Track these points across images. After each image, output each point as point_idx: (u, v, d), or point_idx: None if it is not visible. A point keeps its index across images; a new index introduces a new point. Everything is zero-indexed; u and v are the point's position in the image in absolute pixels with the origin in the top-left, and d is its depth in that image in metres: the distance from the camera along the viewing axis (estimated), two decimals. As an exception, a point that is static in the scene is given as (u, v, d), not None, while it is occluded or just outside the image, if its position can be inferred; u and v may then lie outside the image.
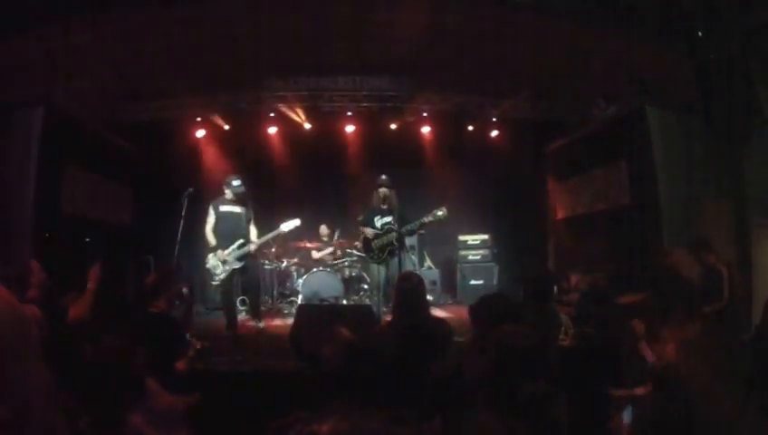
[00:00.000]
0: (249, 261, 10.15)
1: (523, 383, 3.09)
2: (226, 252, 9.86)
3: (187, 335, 6.70)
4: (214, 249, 9.98)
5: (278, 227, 10.48)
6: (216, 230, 10.04)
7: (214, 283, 10.39)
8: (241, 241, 9.96)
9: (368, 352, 3.48)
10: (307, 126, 14.66)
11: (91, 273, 5.70)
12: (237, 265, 9.96)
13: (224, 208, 10.09)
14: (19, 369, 1.65)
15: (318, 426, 2.76)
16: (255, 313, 10.63)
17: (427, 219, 9.67)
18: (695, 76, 10.22)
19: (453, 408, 4.12)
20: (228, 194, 10.08)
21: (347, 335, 3.26)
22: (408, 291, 5.22)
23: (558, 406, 3.21)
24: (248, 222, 10.20)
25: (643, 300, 5.56)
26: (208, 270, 10.12)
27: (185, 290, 7.25)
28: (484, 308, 4.81)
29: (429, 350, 4.87)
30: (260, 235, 10.36)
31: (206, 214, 10.18)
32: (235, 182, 10.10)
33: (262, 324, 10.43)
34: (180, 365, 5.46)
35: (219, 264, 9.90)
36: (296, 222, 10.49)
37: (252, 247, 10.04)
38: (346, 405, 2.95)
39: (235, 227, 10.06)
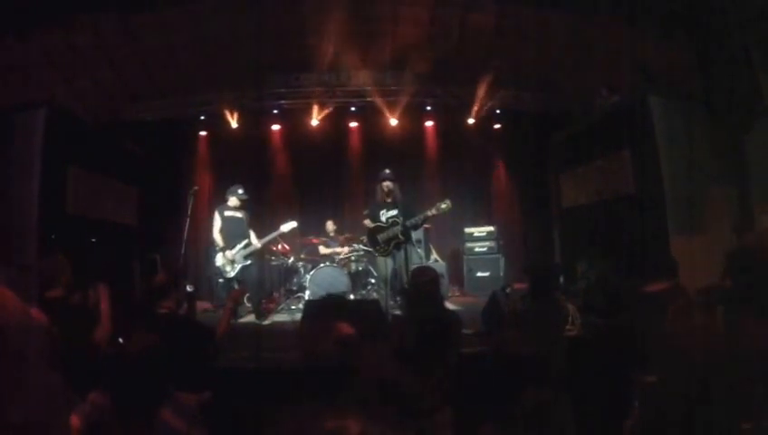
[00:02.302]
0: (254, 260, 11.23)
1: (524, 391, 3.04)
2: (234, 251, 10.95)
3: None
4: (222, 249, 11.03)
5: (278, 226, 11.46)
6: (221, 233, 11.11)
7: (221, 280, 11.52)
8: (246, 241, 11.09)
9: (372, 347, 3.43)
10: (314, 122, 14.76)
11: (101, 292, 5.66)
12: (246, 263, 11.03)
13: (228, 214, 11.24)
14: (30, 373, 1.66)
15: (327, 422, 2.76)
16: (258, 310, 10.98)
17: (431, 212, 9.71)
18: (697, 64, 10.22)
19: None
20: (233, 201, 11.21)
21: (348, 331, 3.20)
22: (424, 284, 5.20)
23: (563, 411, 3.11)
24: (248, 225, 11.35)
25: (669, 288, 5.52)
26: (218, 268, 11.08)
27: (189, 288, 7.28)
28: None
29: (445, 342, 4.91)
30: (266, 231, 11.44)
31: (211, 217, 11.32)
32: (240, 190, 11.30)
33: (266, 321, 10.80)
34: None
35: (228, 263, 10.86)
36: (293, 224, 11.48)
37: (258, 246, 11.24)
38: (349, 402, 2.90)
39: (238, 229, 11.16)
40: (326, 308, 8.61)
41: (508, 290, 9.03)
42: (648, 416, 3.84)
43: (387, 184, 10.04)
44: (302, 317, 8.60)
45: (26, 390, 1.62)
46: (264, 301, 11.50)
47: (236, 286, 10.62)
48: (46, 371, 1.76)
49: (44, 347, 1.77)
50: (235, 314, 9.20)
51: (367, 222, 10.29)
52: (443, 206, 9.59)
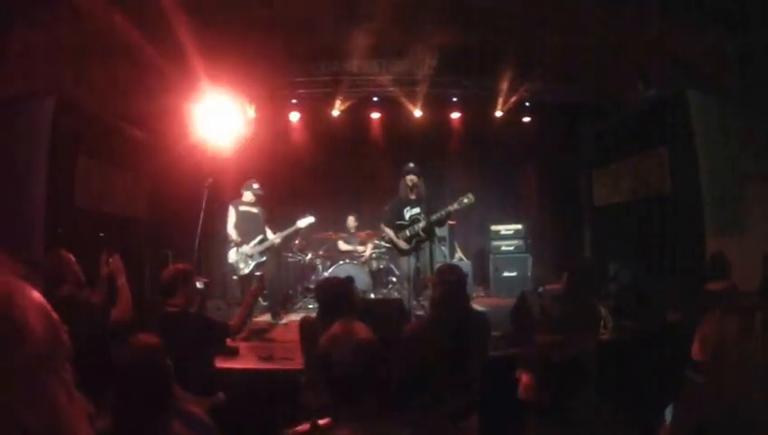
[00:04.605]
0: (270, 256, 11.01)
1: (567, 398, 3.01)
2: (249, 247, 10.73)
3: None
4: (238, 245, 10.78)
5: (294, 220, 11.26)
6: (236, 228, 10.88)
7: (234, 277, 11.24)
8: (261, 237, 10.89)
9: (388, 352, 3.24)
10: (335, 113, 14.50)
11: (113, 266, 5.73)
12: (261, 260, 10.82)
13: (243, 209, 11.04)
14: (53, 379, 1.56)
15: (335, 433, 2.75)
16: (274, 309, 10.89)
17: (452, 208, 9.48)
18: (735, 57, 9.99)
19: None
20: (248, 196, 11.06)
21: (364, 336, 2.99)
22: (452, 283, 4.97)
23: (603, 416, 3.11)
24: (264, 221, 11.16)
25: (728, 288, 5.40)
26: (231, 264, 10.87)
27: (200, 285, 7.07)
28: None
29: (472, 345, 4.84)
30: (282, 226, 11.20)
31: (225, 212, 11.12)
32: (255, 185, 11.13)
33: (283, 320, 10.65)
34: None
35: (243, 258, 10.74)
36: (311, 219, 11.26)
37: (277, 241, 11.00)
38: (361, 410, 2.88)
39: (253, 225, 10.97)
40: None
41: (540, 290, 8.83)
42: (693, 417, 3.61)
43: (411, 178, 9.84)
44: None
45: (45, 392, 1.53)
46: (280, 301, 11.36)
47: (254, 282, 10.41)
48: (64, 372, 1.63)
49: (64, 348, 1.65)
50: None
51: (388, 231, 10.00)
52: (465, 200, 9.35)
